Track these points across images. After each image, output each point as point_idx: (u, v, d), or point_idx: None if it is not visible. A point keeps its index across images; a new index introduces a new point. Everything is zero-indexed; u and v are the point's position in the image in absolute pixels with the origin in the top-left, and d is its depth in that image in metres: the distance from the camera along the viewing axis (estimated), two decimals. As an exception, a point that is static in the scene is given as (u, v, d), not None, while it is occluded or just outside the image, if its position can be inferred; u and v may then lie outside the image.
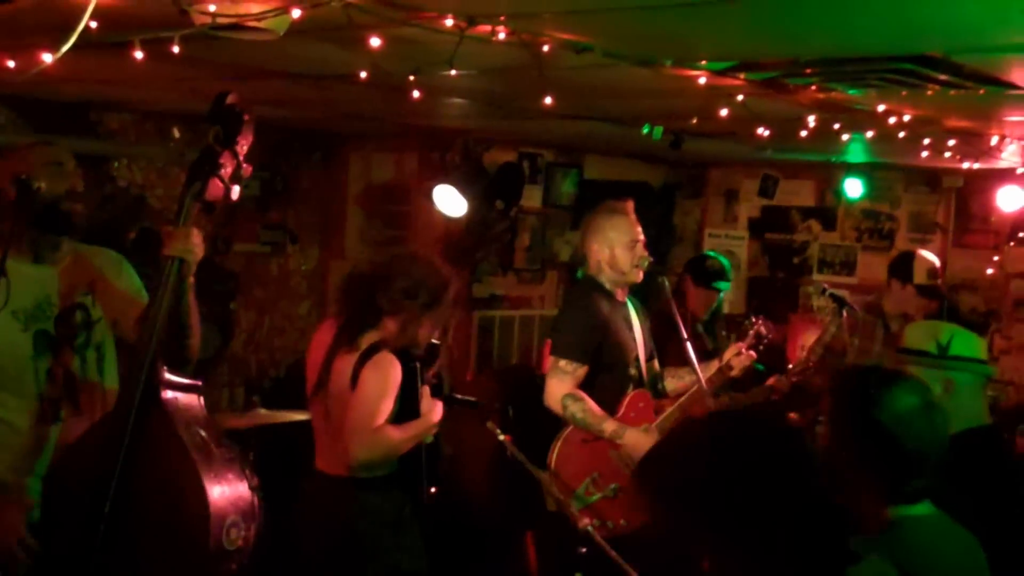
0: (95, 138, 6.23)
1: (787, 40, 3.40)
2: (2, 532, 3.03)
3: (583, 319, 4.46)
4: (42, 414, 3.24)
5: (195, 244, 2.98)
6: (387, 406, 3.77)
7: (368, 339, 3.85)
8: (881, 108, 4.36)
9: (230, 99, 2.95)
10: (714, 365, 4.83)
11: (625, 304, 4.68)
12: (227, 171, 2.97)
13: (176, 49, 3.02)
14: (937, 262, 5.90)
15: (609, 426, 4.39)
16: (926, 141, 5.28)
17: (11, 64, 3.71)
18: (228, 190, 2.98)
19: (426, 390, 3.95)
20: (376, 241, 7.50)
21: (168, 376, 2.99)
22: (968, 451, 3.04)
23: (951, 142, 5.36)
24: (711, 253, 6.52)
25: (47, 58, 3.08)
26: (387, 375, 3.78)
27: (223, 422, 5.32)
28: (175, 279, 2.97)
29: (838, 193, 7.97)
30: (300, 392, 4.20)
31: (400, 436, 3.81)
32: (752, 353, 4.88)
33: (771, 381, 5.41)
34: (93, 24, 2.70)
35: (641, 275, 4.62)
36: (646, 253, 4.61)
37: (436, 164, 7.27)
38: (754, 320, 5.10)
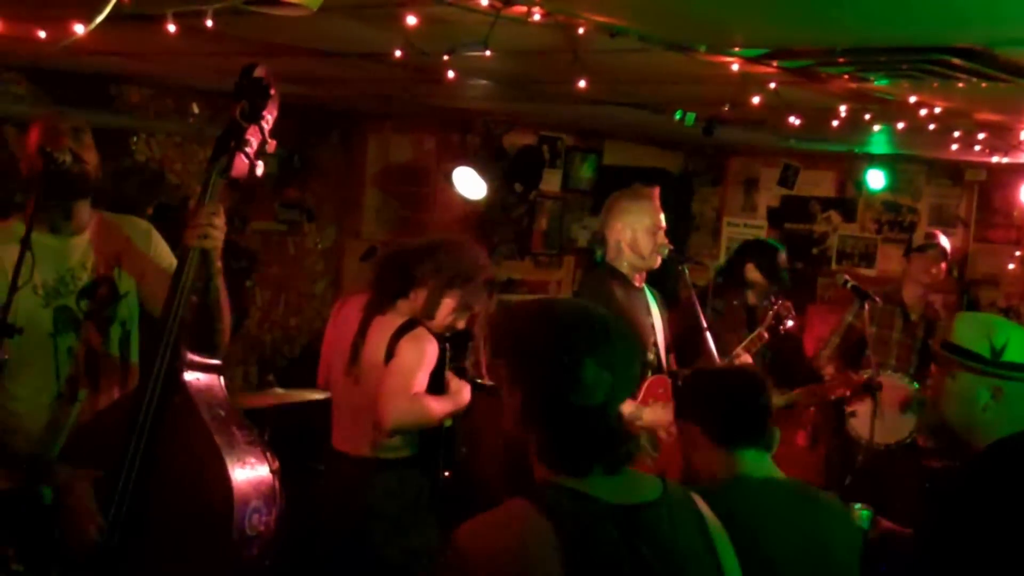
0: (114, 112, 6.19)
1: (823, 28, 3.35)
2: (76, 505, 2.94)
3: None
4: (60, 392, 3.20)
5: (220, 222, 2.93)
6: (422, 378, 3.77)
7: (401, 307, 3.86)
8: (913, 99, 4.32)
9: (257, 72, 2.90)
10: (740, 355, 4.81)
11: (643, 290, 4.64)
12: (252, 146, 2.91)
13: (209, 23, 2.98)
14: (940, 235, 5.83)
15: (625, 408, 4.34)
16: (956, 134, 5.23)
17: (42, 35, 3.67)
18: (253, 166, 2.93)
19: (452, 373, 3.96)
20: (393, 221, 7.47)
21: (190, 357, 2.94)
22: (1016, 455, 2.78)
23: (980, 135, 5.31)
24: (780, 246, 6.25)
25: (79, 29, 3.04)
26: (423, 349, 3.78)
27: (240, 402, 5.28)
28: (198, 258, 2.92)
29: (859, 184, 7.91)
30: (314, 374, 4.17)
31: (435, 407, 3.81)
32: (766, 335, 4.83)
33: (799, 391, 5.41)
34: (126, -5, 2.67)
35: (659, 261, 4.58)
36: (666, 241, 4.57)
37: (455, 146, 7.23)
38: (773, 300, 5.04)
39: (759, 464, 2.75)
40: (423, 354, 3.78)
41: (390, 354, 3.77)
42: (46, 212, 3.16)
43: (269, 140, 2.96)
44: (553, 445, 1.98)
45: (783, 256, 5.87)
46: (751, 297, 5.71)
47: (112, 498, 2.83)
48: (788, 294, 5.66)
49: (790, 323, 5.13)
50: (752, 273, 5.78)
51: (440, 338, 3.89)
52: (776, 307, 5.01)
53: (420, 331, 3.80)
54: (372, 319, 3.87)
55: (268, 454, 2.95)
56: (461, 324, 4.02)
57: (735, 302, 5.61)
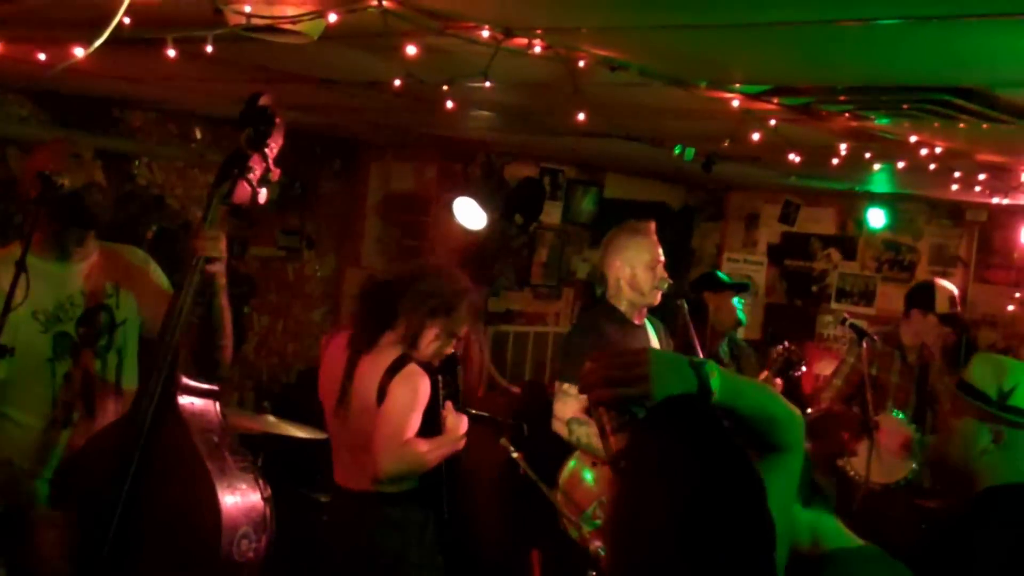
0: (117, 135, 6.21)
1: (824, 66, 3.35)
2: (46, 552, 2.96)
3: (590, 344, 4.37)
4: (54, 417, 3.19)
5: (220, 247, 2.94)
6: (415, 420, 3.70)
7: (387, 341, 3.80)
8: (913, 139, 4.31)
9: (263, 101, 2.91)
10: None
11: (643, 327, 4.60)
12: (256, 174, 2.93)
13: (209, 49, 2.98)
14: (956, 291, 5.81)
15: None
16: (956, 174, 5.23)
17: (42, 57, 3.68)
18: (255, 193, 2.94)
19: (450, 405, 3.87)
20: (393, 250, 7.47)
21: (186, 381, 2.93)
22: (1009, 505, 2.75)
23: (981, 176, 5.31)
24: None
25: (79, 52, 3.04)
26: (416, 389, 3.71)
27: (234, 422, 5.25)
28: (199, 279, 2.93)
29: (860, 222, 7.92)
30: (310, 402, 4.13)
31: (427, 450, 3.73)
32: (779, 380, 4.79)
33: None
34: (127, 20, 2.66)
35: (659, 297, 4.56)
36: (666, 275, 4.54)
37: (456, 176, 7.24)
38: (782, 348, 5.00)
39: None
40: (416, 394, 3.71)
41: (382, 395, 3.69)
42: (57, 237, 3.18)
43: (273, 168, 2.97)
44: None
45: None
46: (722, 317, 5.70)
47: (102, 520, 2.82)
48: (785, 330, 5.66)
49: (803, 369, 5.08)
50: (708, 299, 5.80)
51: (433, 371, 3.83)
52: (788, 352, 4.94)
53: (411, 368, 3.72)
54: (359, 358, 3.79)
55: (261, 481, 2.95)
56: (448, 350, 3.97)
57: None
